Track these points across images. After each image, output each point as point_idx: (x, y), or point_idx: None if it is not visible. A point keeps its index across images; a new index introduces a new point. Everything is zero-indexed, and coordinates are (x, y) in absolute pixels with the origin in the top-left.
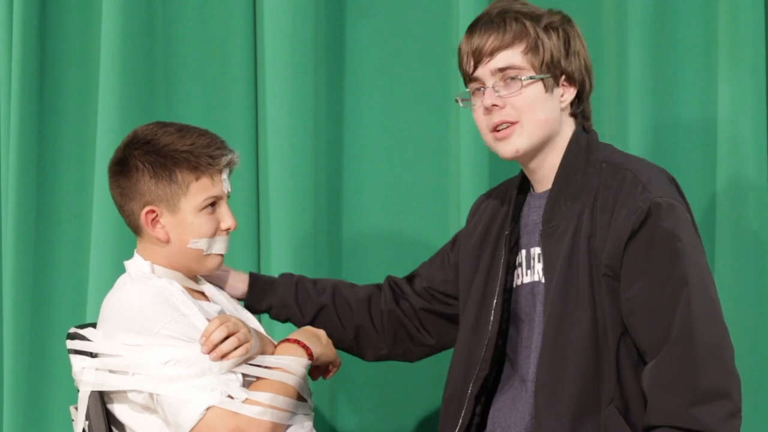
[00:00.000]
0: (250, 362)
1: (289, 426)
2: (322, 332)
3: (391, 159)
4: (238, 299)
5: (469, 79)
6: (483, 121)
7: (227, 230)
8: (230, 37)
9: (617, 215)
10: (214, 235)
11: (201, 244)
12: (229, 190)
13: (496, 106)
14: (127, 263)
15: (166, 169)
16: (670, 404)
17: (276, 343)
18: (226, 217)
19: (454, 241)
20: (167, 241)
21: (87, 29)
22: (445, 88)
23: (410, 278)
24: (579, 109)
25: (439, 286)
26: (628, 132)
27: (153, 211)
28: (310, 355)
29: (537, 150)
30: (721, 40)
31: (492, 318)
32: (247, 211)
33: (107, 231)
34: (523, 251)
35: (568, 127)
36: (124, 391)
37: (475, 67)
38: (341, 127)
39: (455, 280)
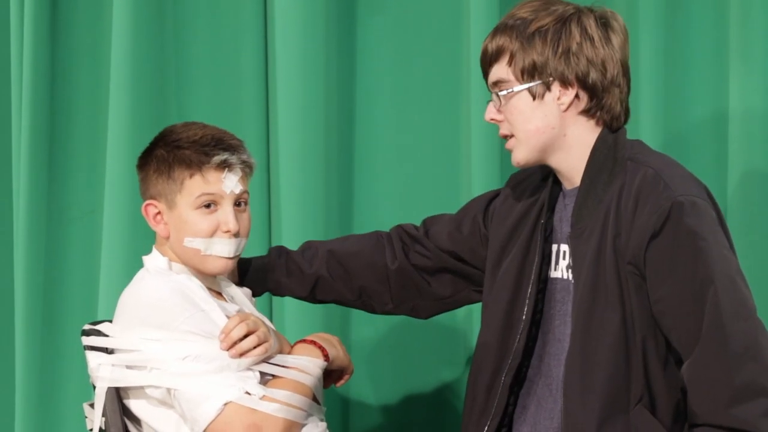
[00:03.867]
0: (268, 361)
1: (303, 425)
2: (335, 338)
3: (402, 156)
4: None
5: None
6: None
7: (228, 233)
8: (241, 34)
9: (640, 213)
10: (212, 235)
11: (196, 243)
12: (235, 191)
13: (493, 120)
14: (146, 258)
15: (166, 165)
16: (708, 403)
17: (291, 344)
18: (226, 219)
19: (486, 210)
20: (167, 237)
21: (98, 26)
22: (457, 86)
23: (427, 230)
24: (594, 105)
25: (466, 253)
26: (639, 128)
27: (153, 206)
28: (326, 357)
29: (540, 157)
30: (732, 36)
31: (527, 307)
32: (258, 208)
33: (119, 228)
34: (555, 245)
35: (580, 127)
36: (141, 387)
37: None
38: (352, 125)
39: (484, 254)
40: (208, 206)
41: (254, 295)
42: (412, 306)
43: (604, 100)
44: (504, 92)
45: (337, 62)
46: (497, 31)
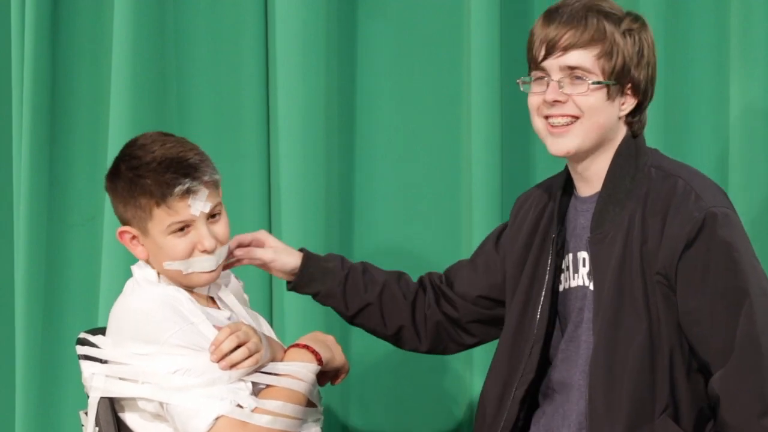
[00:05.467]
0: (260, 370)
1: None
2: (330, 337)
3: (403, 160)
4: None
5: (535, 65)
6: (537, 110)
7: (205, 251)
8: (242, 37)
9: (671, 223)
10: (189, 256)
11: (176, 265)
12: (205, 210)
13: (557, 101)
14: (134, 268)
15: (131, 195)
16: (740, 414)
17: (285, 348)
18: (202, 239)
19: (497, 242)
20: (146, 260)
21: (98, 30)
22: (457, 89)
23: (451, 283)
24: (636, 117)
25: (488, 291)
26: None
27: (127, 232)
28: (320, 361)
29: (587, 153)
30: (732, 36)
31: (538, 321)
32: (258, 213)
33: None
34: (570, 255)
35: (619, 133)
36: (134, 399)
37: (545, 58)
38: (353, 128)
39: (502, 283)
40: (181, 229)
41: (292, 289)
42: (444, 347)
43: (645, 108)
44: (592, 81)
45: (338, 64)
46: (588, 14)
